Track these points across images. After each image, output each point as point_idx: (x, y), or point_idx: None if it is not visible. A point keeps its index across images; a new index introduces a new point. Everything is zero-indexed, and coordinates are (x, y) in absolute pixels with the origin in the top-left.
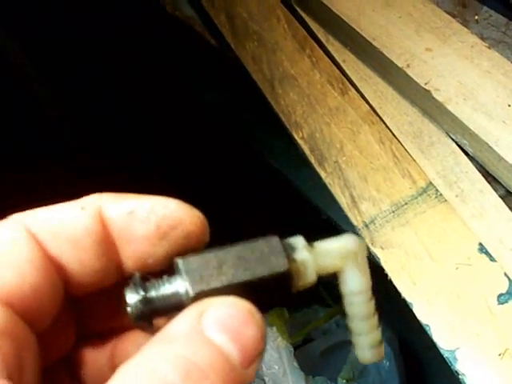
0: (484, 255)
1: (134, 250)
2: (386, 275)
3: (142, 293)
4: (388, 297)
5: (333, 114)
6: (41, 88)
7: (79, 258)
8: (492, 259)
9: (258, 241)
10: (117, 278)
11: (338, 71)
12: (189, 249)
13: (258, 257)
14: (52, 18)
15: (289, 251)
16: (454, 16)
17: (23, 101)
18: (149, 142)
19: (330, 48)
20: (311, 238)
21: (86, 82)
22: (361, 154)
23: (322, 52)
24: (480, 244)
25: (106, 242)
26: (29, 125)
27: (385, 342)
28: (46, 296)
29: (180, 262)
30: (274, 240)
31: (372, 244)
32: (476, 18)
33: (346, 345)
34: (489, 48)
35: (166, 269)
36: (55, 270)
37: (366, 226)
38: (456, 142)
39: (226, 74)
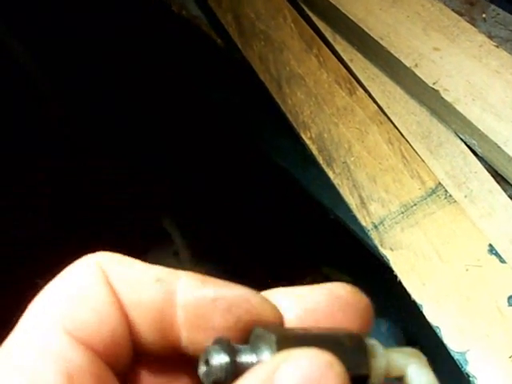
0: (494, 256)
1: (203, 337)
2: (396, 276)
3: (229, 357)
4: (395, 295)
5: (341, 114)
6: (42, 87)
7: (142, 328)
8: (502, 260)
9: (339, 334)
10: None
11: (345, 71)
12: None
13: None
14: (55, 18)
15: (369, 354)
16: (461, 14)
17: (24, 100)
18: (155, 141)
19: (337, 47)
20: (319, 238)
21: (89, 82)
22: (369, 155)
23: (329, 51)
24: (490, 245)
25: (173, 324)
26: (29, 124)
27: (392, 339)
28: (123, 341)
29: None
30: (357, 338)
31: (381, 245)
32: (483, 16)
33: None
34: (497, 47)
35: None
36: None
37: (375, 227)
38: (465, 142)
39: (232, 74)
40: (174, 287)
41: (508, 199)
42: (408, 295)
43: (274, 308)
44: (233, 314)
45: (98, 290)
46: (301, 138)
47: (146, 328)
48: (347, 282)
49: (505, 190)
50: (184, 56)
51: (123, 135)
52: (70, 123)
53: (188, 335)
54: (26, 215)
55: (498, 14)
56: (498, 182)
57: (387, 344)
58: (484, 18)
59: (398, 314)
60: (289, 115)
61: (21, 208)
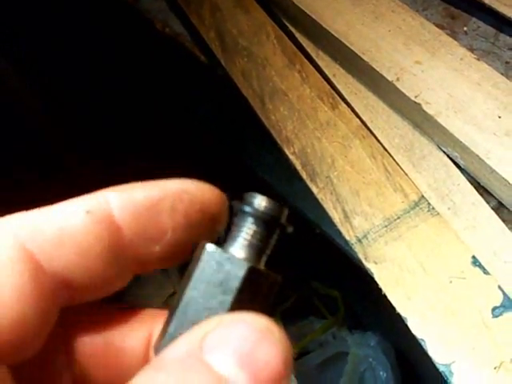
0: (477, 268)
1: (156, 248)
2: (381, 289)
3: None
4: (384, 308)
5: (324, 129)
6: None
7: (86, 269)
8: (486, 272)
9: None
10: (133, 275)
11: (328, 86)
12: (211, 231)
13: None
14: (42, 31)
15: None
16: (442, 28)
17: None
18: (138, 155)
19: (319, 62)
20: (306, 253)
21: (74, 97)
22: (352, 169)
23: (311, 67)
24: (473, 257)
25: (119, 246)
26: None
27: (381, 352)
28: (33, 328)
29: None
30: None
31: (365, 259)
32: (465, 29)
33: (343, 356)
34: (478, 60)
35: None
36: (53, 289)
37: (359, 240)
38: (447, 155)
39: (216, 90)
40: (105, 209)
41: (491, 211)
42: (394, 308)
43: (212, 189)
44: (179, 212)
45: (5, 269)
46: (284, 153)
47: (94, 269)
48: (336, 296)
49: (488, 202)
50: (168, 73)
51: (107, 148)
52: (60, 136)
53: (140, 250)
54: None
55: (479, 27)
56: (480, 194)
57: (377, 358)
58: (465, 31)
59: (387, 327)
60: (272, 131)
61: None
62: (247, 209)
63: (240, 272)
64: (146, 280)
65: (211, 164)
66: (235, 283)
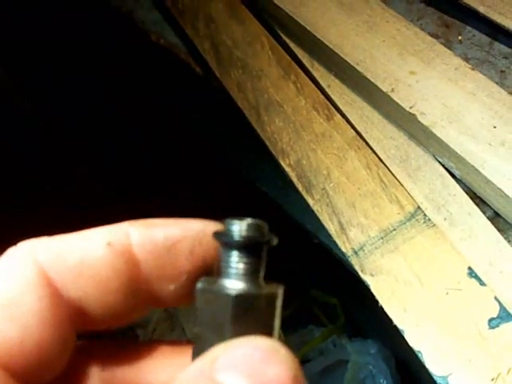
0: (474, 279)
1: (171, 287)
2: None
3: None
4: (384, 315)
5: (319, 140)
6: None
7: (103, 301)
8: (482, 283)
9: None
10: (149, 308)
11: (323, 97)
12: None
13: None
14: (39, 41)
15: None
16: (437, 37)
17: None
18: (136, 167)
19: (314, 73)
20: (305, 262)
21: (68, 105)
22: (348, 180)
23: (306, 78)
24: (469, 268)
25: (136, 281)
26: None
27: (381, 360)
28: (52, 352)
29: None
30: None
31: (362, 271)
32: (459, 38)
33: (343, 364)
34: (473, 69)
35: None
36: (69, 316)
37: (355, 252)
38: (443, 165)
39: (212, 101)
40: (126, 243)
41: (487, 221)
42: (391, 320)
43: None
44: (197, 256)
45: (25, 294)
46: (280, 165)
47: (110, 302)
48: (335, 303)
49: (484, 212)
50: (163, 84)
51: (106, 158)
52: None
53: (156, 287)
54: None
55: (474, 36)
56: (476, 204)
57: (377, 365)
58: (460, 40)
59: (387, 334)
60: (268, 143)
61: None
62: (229, 240)
63: (228, 304)
64: None
65: (208, 176)
66: (227, 315)
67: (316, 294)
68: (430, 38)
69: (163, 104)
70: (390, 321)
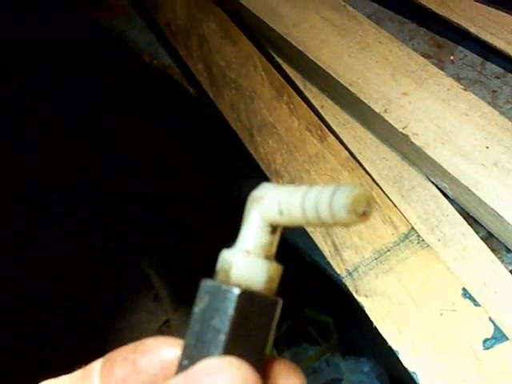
0: (468, 300)
1: None
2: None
3: None
4: (378, 333)
5: (312, 162)
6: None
7: None
8: (476, 304)
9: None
10: None
11: (316, 117)
12: None
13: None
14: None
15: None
16: (429, 57)
17: None
18: (131, 186)
19: (307, 94)
20: (298, 280)
21: (61, 127)
22: None
23: (299, 98)
24: (463, 289)
25: None
26: None
27: (375, 378)
28: None
29: None
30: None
31: (356, 292)
32: (451, 58)
33: (337, 383)
34: (465, 90)
35: None
36: None
37: (350, 274)
38: (436, 186)
39: (206, 122)
40: None
41: (481, 241)
42: (385, 339)
43: None
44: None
45: None
46: None
47: None
48: (328, 322)
49: (477, 232)
50: (156, 105)
51: (100, 180)
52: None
53: None
54: None
55: (466, 56)
56: (470, 225)
57: (370, 383)
58: (452, 60)
59: (381, 353)
60: (261, 164)
61: None
62: None
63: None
64: (138, 307)
65: (202, 196)
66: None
67: (310, 312)
68: (422, 58)
69: (156, 125)
70: (385, 340)
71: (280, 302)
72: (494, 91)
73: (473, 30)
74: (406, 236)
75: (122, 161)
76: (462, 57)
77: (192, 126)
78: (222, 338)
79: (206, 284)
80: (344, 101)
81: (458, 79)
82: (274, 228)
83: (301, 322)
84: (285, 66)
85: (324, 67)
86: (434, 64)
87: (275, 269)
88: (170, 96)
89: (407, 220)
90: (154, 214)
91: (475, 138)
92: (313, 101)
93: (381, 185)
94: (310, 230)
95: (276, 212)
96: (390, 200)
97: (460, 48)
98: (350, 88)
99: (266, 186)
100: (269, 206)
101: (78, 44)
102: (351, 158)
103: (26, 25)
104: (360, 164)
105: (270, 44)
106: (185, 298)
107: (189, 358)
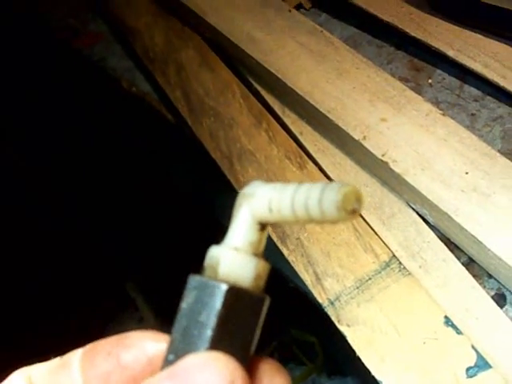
0: (450, 328)
1: None
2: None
3: None
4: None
5: None
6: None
7: None
8: (458, 332)
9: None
10: None
11: (295, 144)
12: None
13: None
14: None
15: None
16: (407, 80)
17: None
18: (112, 210)
19: (286, 120)
20: (283, 302)
21: (43, 165)
22: (322, 230)
23: (278, 125)
24: (446, 317)
25: None
26: None
27: None
28: None
29: None
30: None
31: (338, 322)
32: (430, 81)
33: None
34: (443, 115)
35: None
36: None
37: (332, 303)
38: (417, 212)
39: (185, 149)
40: None
41: (462, 267)
42: (368, 370)
43: None
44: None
45: None
46: None
47: None
48: (314, 342)
49: (458, 258)
50: (134, 132)
51: (84, 208)
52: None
53: None
54: None
55: (444, 79)
56: (451, 251)
57: None
58: (430, 84)
59: (367, 372)
60: None
61: None
62: None
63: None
64: (122, 330)
65: (183, 222)
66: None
67: (295, 332)
68: (400, 83)
69: (135, 152)
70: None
71: (267, 300)
72: (472, 114)
73: (451, 53)
74: (387, 264)
75: (100, 185)
76: (440, 80)
77: (171, 152)
78: (209, 333)
79: (193, 279)
80: (323, 127)
81: (437, 103)
82: (262, 226)
83: (286, 343)
84: (263, 93)
85: (302, 94)
86: (412, 88)
87: (263, 266)
88: (149, 123)
89: (388, 247)
90: (139, 237)
91: (454, 164)
92: (292, 127)
93: (361, 212)
94: (291, 259)
95: (266, 209)
96: (371, 227)
97: (438, 71)
98: (328, 115)
99: (256, 183)
100: (259, 203)
101: (57, 70)
102: None
103: (1, 52)
104: None
105: (248, 71)
106: (170, 321)
107: (175, 353)
